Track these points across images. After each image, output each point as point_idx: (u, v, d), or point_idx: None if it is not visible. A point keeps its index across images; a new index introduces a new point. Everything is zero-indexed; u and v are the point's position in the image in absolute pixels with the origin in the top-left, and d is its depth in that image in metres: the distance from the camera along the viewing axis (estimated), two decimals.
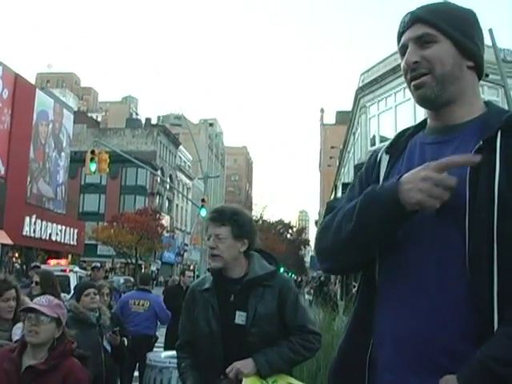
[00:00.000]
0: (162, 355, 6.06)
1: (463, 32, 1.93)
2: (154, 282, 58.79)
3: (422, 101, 1.98)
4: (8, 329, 4.80)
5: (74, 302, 5.96)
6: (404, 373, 1.82)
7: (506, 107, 15.58)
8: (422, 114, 27.03)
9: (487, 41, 14.72)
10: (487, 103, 2.00)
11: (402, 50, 2.02)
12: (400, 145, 2.10)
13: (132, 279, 38.78)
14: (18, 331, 4.73)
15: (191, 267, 76.70)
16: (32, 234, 43.48)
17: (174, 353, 6.66)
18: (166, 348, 9.38)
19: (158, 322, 10.21)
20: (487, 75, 13.68)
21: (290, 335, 3.46)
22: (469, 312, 1.71)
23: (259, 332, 3.45)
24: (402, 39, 2.02)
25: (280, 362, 3.38)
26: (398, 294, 1.87)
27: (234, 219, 3.61)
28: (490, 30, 14.00)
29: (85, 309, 5.91)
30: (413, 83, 1.97)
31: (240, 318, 3.51)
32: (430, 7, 2.00)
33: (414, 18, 1.98)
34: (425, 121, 2.11)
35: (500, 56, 15.81)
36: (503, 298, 1.66)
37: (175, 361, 5.77)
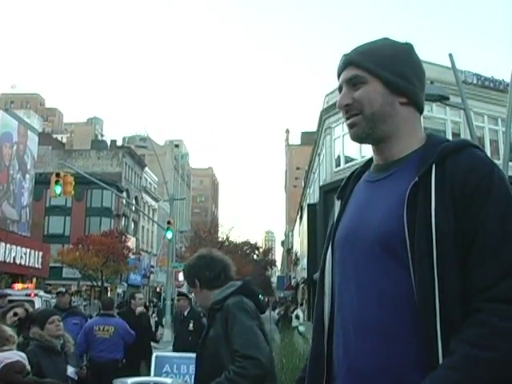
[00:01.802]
0: (129, 381, 6.03)
1: (393, 70, 1.99)
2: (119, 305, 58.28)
3: (355, 139, 2.07)
4: None
5: (39, 331, 5.89)
6: None
7: (467, 128, 15.85)
8: None
9: (448, 64, 15.02)
10: (428, 135, 2.05)
11: (340, 91, 2.09)
12: (348, 187, 2.19)
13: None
14: None
15: (157, 289, 76.17)
16: None
17: (141, 379, 6.67)
18: (125, 372, 9.39)
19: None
20: (447, 98, 13.94)
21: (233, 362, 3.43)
22: (418, 344, 1.76)
23: (207, 355, 3.64)
24: (339, 81, 2.10)
25: None
26: (349, 330, 1.92)
27: (184, 271, 4.18)
28: (450, 55, 14.32)
29: (50, 336, 5.87)
30: (347, 122, 2.06)
31: (200, 342, 3.78)
32: (361, 48, 2.07)
33: (346, 61, 2.06)
34: (371, 159, 2.18)
35: (460, 78, 16.10)
36: (446, 329, 1.71)
37: None
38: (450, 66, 14.85)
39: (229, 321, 3.53)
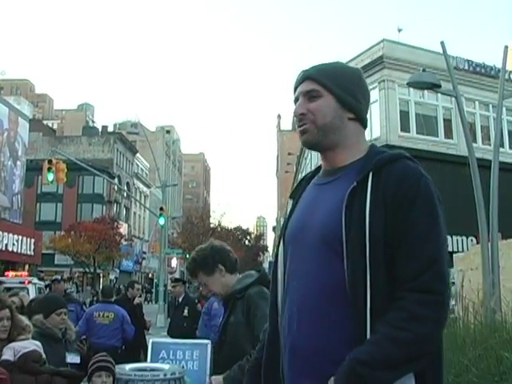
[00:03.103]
0: (127, 368, 6.08)
1: (345, 89, 2.29)
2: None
3: (306, 144, 2.37)
4: (0, 349, 4.83)
5: (41, 318, 5.92)
6: (298, 379, 2.18)
7: (459, 114, 15.91)
8: (377, 122, 27.02)
9: (440, 50, 15.06)
10: (370, 146, 2.34)
11: (295, 101, 2.37)
12: (301, 188, 2.49)
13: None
14: (7, 351, 4.81)
15: (149, 275, 76.28)
16: None
17: (139, 365, 6.70)
18: (124, 360, 9.44)
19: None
20: (439, 86, 13.98)
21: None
22: (350, 326, 2.05)
23: (228, 341, 3.89)
24: (296, 93, 2.37)
25: (241, 375, 3.53)
26: (294, 313, 2.22)
27: (195, 264, 4.22)
28: (442, 43, 14.35)
29: (52, 326, 5.91)
30: (299, 129, 2.33)
31: (220, 328, 4.04)
32: (319, 67, 2.37)
33: (305, 76, 2.34)
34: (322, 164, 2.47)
35: (452, 64, 16.16)
36: (375, 313, 2.00)
37: (140, 373, 5.84)
38: (441, 52, 14.87)
39: (251, 309, 3.77)
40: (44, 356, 5.08)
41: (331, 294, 2.11)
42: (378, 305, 2.00)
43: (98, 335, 9.43)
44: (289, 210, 2.47)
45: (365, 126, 2.38)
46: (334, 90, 2.27)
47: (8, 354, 4.77)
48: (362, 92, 2.35)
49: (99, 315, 9.76)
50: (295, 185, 2.55)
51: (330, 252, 2.12)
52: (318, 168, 2.46)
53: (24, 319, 5.42)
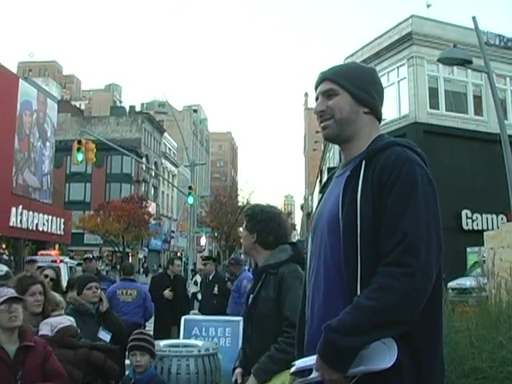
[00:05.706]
0: (161, 344, 6.17)
1: (359, 86, 2.58)
2: (142, 270, 58.84)
3: (327, 138, 2.66)
4: (36, 324, 4.92)
5: (75, 295, 6.07)
6: (308, 350, 2.45)
7: (489, 90, 15.71)
8: (405, 99, 26.62)
9: (470, 25, 14.86)
10: (376, 137, 2.59)
11: (316, 99, 2.68)
12: (328, 182, 2.78)
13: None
14: (44, 326, 4.91)
15: (178, 254, 76.83)
16: (19, 225, 43.30)
17: (173, 341, 6.81)
18: (156, 336, 9.54)
19: None
20: (471, 62, 13.81)
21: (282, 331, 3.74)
22: (346, 299, 2.30)
23: (257, 313, 3.93)
24: (316, 92, 2.68)
25: (271, 365, 3.73)
26: (310, 292, 2.57)
27: (246, 214, 4.28)
28: (474, 18, 14.13)
29: (86, 301, 6.02)
30: (321, 125, 2.63)
31: (250, 300, 4.07)
32: (336, 68, 2.69)
33: (323, 77, 2.66)
34: None
35: (483, 40, 15.91)
36: (364, 286, 2.24)
37: (175, 349, 5.96)
38: (472, 27, 14.65)
39: (283, 288, 3.84)
40: (79, 331, 5.18)
41: (333, 273, 2.41)
42: (367, 281, 2.24)
43: (122, 312, 9.36)
44: (316, 203, 2.79)
45: (379, 119, 2.66)
46: (349, 88, 2.56)
47: (45, 330, 4.87)
48: (376, 88, 2.65)
49: (122, 293, 9.77)
50: (324, 182, 2.85)
51: (333, 235, 2.42)
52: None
53: (57, 295, 5.51)
